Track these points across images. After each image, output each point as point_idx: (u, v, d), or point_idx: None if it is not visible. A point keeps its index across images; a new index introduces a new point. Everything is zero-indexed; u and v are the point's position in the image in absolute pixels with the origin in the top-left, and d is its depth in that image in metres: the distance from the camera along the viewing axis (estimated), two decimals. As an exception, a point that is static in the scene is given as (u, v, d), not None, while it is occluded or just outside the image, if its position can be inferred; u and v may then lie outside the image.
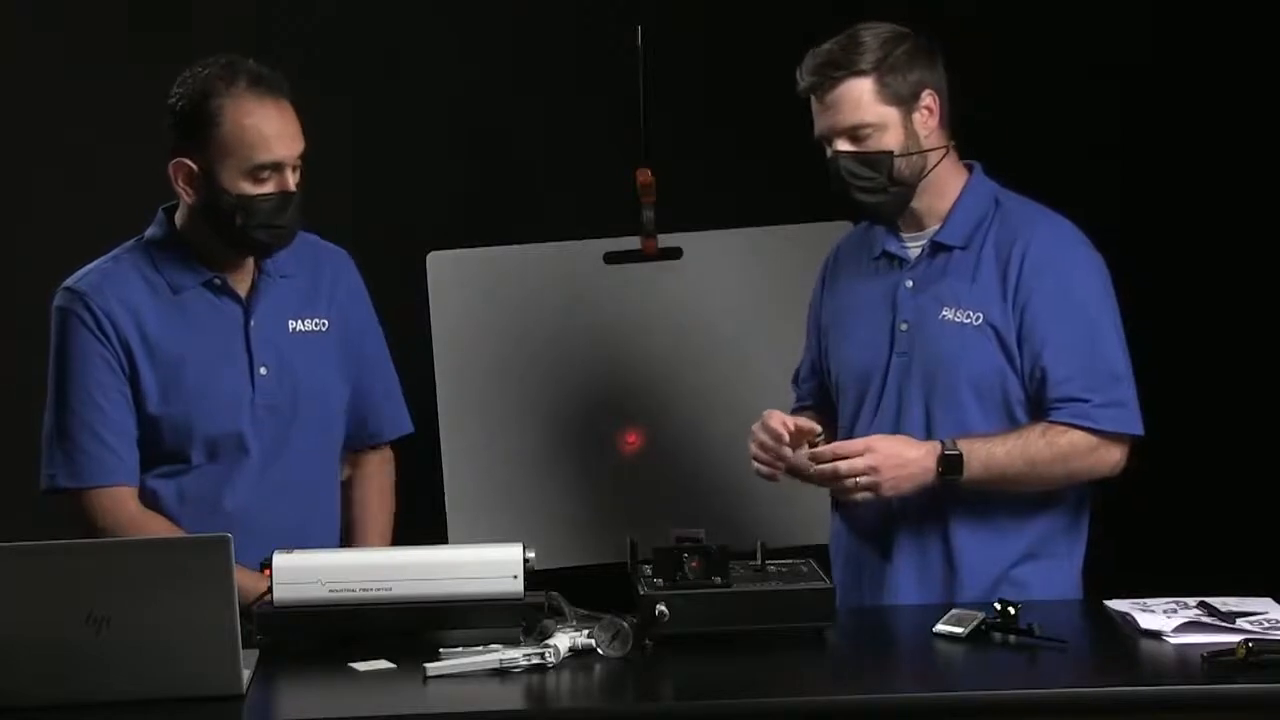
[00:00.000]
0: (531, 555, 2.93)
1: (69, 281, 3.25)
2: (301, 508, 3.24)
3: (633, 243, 4.24)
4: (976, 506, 3.22)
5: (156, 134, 4.39)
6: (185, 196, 3.19)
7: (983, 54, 4.32)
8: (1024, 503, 3.23)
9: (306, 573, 2.88)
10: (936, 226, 3.30)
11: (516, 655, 2.73)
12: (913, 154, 3.23)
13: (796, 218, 4.11)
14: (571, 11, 4.36)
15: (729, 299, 4.18)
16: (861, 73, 3.20)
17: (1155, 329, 4.31)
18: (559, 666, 2.73)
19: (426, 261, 4.14)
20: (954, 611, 2.92)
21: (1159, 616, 2.89)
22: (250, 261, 3.25)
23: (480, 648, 2.77)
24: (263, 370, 3.22)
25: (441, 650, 2.76)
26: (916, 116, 3.23)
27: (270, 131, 3.12)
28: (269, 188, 3.13)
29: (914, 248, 3.32)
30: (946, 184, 3.29)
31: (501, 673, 2.71)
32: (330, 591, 2.88)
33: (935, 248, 3.29)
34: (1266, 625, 2.82)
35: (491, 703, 2.64)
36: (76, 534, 3.17)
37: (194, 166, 3.15)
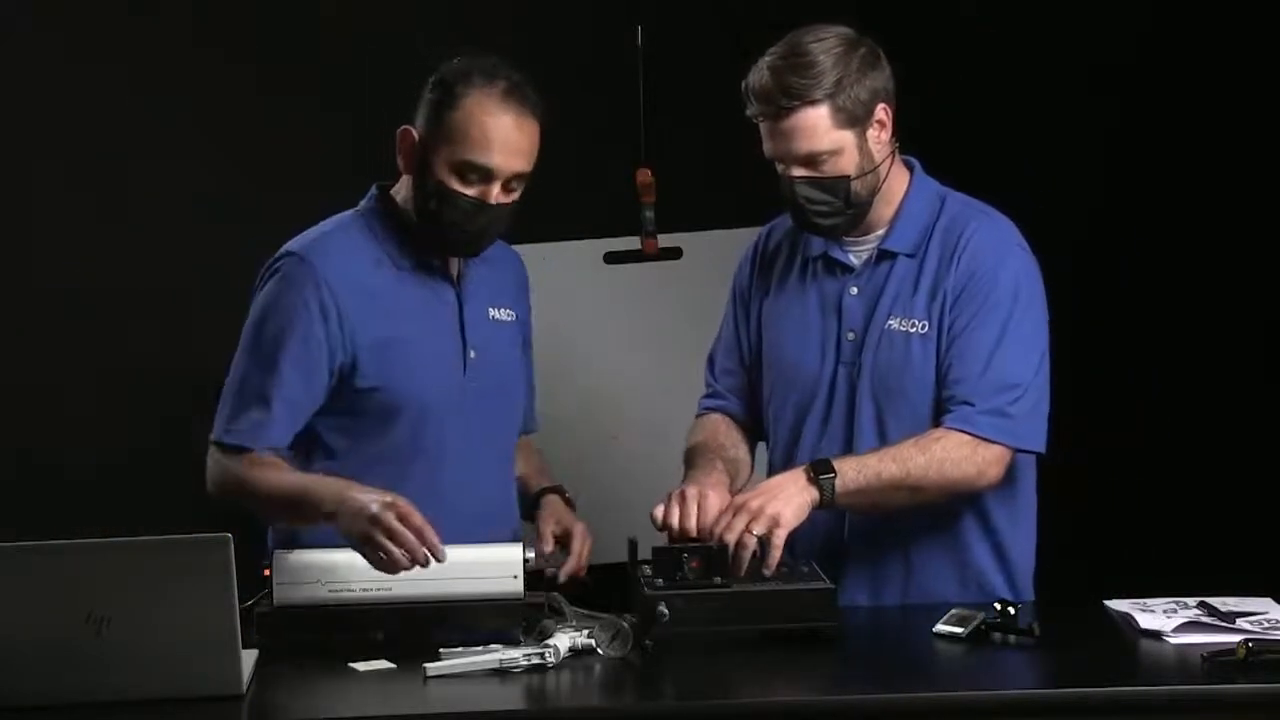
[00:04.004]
0: (531, 555, 2.93)
1: (292, 245, 3.15)
2: (496, 485, 3.22)
3: (633, 243, 4.24)
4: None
5: (158, 133, 4.39)
6: (400, 163, 3.16)
7: (985, 53, 4.33)
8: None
9: (306, 573, 2.88)
10: (882, 232, 3.20)
11: (516, 655, 2.73)
12: (868, 173, 3.12)
13: (796, 217, 4.10)
14: (572, 11, 4.36)
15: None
16: (815, 102, 3.06)
17: (1154, 329, 4.34)
18: (559, 666, 2.73)
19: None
20: (954, 611, 2.92)
21: (1159, 616, 2.89)
22: None
23: (480, 648, 2.77)
24: (472, 354, 3.20)
25: (441, 650, 2.76)
26: (870, 133, 3.11)
27: (496, 137, 3.06)
28: (471, 190, 3.07)
29: (858, 253, 3.21)
30: (892, 188, 3.19)
31: (501, 673, 2.71)
32: (330, 591, 2.88)
33: (882, 255, 3.19)
34: (1266, 625, 2.83)
35: (491, 703, 2.64)
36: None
37: (417, 138, 3.12)
